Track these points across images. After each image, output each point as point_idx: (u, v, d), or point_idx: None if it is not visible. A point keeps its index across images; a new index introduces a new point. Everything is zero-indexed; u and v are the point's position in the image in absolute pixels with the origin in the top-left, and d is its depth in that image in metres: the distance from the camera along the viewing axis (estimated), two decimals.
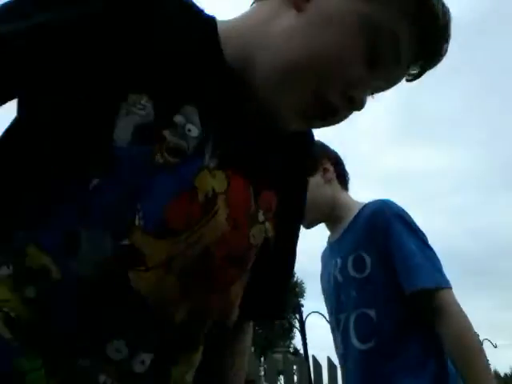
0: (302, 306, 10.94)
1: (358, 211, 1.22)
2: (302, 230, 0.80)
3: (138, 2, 0.48)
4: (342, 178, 1.31)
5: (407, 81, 0.58)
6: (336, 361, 4.19)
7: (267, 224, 0.58)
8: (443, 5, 0.53)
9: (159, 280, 0.47)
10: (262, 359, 6.02)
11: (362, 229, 1.16)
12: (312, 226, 1.31)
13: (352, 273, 1.15)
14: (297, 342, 19.33)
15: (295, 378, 4.46)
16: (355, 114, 0.56)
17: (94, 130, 0.45)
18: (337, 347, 1.23)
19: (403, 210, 1.18)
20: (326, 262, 1.33)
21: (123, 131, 0.45)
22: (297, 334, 16.69)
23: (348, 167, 1.35)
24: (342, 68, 0.51)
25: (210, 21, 0.55)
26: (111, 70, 0.46)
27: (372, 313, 1.11)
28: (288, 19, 0.52)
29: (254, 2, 0.59)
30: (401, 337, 1.09)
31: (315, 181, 1.22)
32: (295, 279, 21.02)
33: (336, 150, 1.35)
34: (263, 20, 0.54)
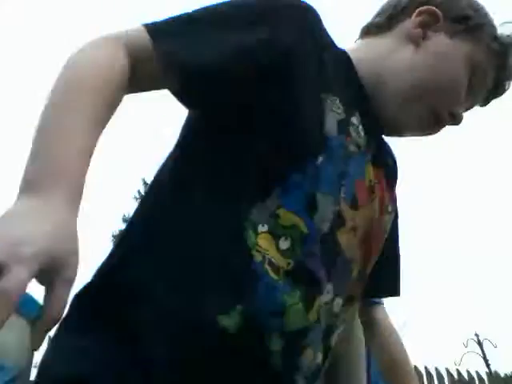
0: None
1: None
2: None
3: (314, 37, 0.64)
4: None
5: (480, 106, 0.78)
6: None
7: (392, 215, 0.73)
8: None
9: (351, 240, 0.61)
10: None
11: None
12: None
13: None
14: None
15: None
16: None
17: (315, 124, 0.59)
18: None
19: None
20: None
21: (331, 125, 0.60)
22: None
23: None
24: (453, 92, 0.70)
25: (346, 53, 0.72)
26: (314, 79, 0.62)
27: None
28: (408, 52, 0.70)
29: (360, 38, 0.78)
30: None
31: None
32: None
33: None
34: (386, 52, 0.71)
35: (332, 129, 0.60)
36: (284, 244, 0.55)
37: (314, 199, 0.57)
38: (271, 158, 0.57)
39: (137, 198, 21.78)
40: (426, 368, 4.66)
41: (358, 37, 0.79)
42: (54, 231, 0.40)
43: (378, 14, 0.77)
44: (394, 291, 0.86)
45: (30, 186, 0.43)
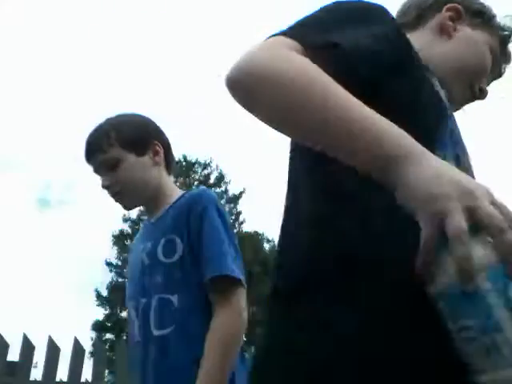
0: None
1: (179, 196, 1.25)
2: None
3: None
4: (169, 163, 1.33)
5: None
6: None
7: None
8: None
9: None
10: None
11: (180, 212, 1.18)
12: (133, 207, 1.32)
13: (161, 257, 1.14)
14: None
15: None
16: None
17: (436, 93, 0.72)
18: (133, 336, 1.19)
19: (221, 204, 1.23)
20: (134, 246, 1.33)
21: (442, 94, 0.74)
22: None
23: None
24: (483, 71, 0.87)
25: None
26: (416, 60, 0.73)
27: (174, 299, 1.11)
28: (443, 42, 0.86)
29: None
30: (201, 324, 1.09)
31: (143, 161, 1.24)
32: None
33: None
34: (425, 44, 0.84)
35: (443, 96, 0.74)
36: None
37: (459, 156, 0.70)
38: (430, 122, 0.68)
39: None
40: None
41: None
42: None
43: (404, 14, 0.92)
44: None
45: (409, 155, 0.51)
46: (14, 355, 3.09)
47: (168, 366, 1.09)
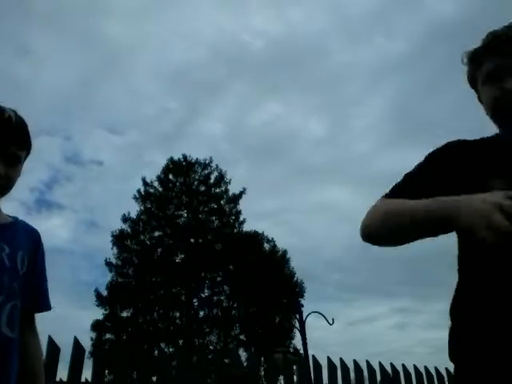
0: (302, 306, 10.90)
1: (14, 218, 1.33)
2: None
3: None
4: None
5: None
6: (336, 361, 4.09)
7: None
8: None
9: None
10: (262, 359, 6.01)
11: (28, 236, 1.31)
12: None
13: (19, 266, 1.23)
14: (297, 341, 19.28)
15: (295, 377, 4.45)
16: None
17: None
18: None
19: None
20: None
21: None
22: (297, 333, 16.68)
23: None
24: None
25: None
26: None
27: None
28: None
29: None
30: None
31: (20, 168, 1.23)
32: (295, 279, 20.98)
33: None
34: None
35: None
36: None
37: None
38: None
39: (137, 198, 21.87)
40: (425, 368, 4.66)
41: None
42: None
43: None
44: None
45: (449, 207, 0.90)
46: None
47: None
